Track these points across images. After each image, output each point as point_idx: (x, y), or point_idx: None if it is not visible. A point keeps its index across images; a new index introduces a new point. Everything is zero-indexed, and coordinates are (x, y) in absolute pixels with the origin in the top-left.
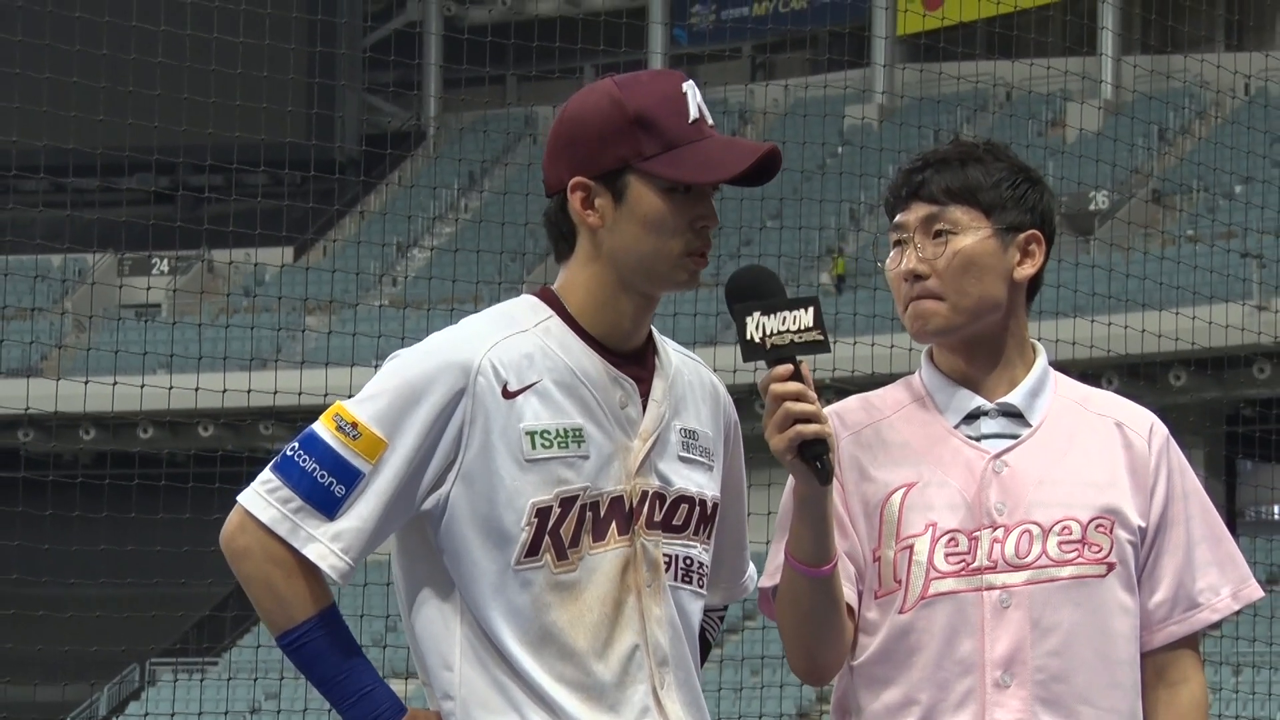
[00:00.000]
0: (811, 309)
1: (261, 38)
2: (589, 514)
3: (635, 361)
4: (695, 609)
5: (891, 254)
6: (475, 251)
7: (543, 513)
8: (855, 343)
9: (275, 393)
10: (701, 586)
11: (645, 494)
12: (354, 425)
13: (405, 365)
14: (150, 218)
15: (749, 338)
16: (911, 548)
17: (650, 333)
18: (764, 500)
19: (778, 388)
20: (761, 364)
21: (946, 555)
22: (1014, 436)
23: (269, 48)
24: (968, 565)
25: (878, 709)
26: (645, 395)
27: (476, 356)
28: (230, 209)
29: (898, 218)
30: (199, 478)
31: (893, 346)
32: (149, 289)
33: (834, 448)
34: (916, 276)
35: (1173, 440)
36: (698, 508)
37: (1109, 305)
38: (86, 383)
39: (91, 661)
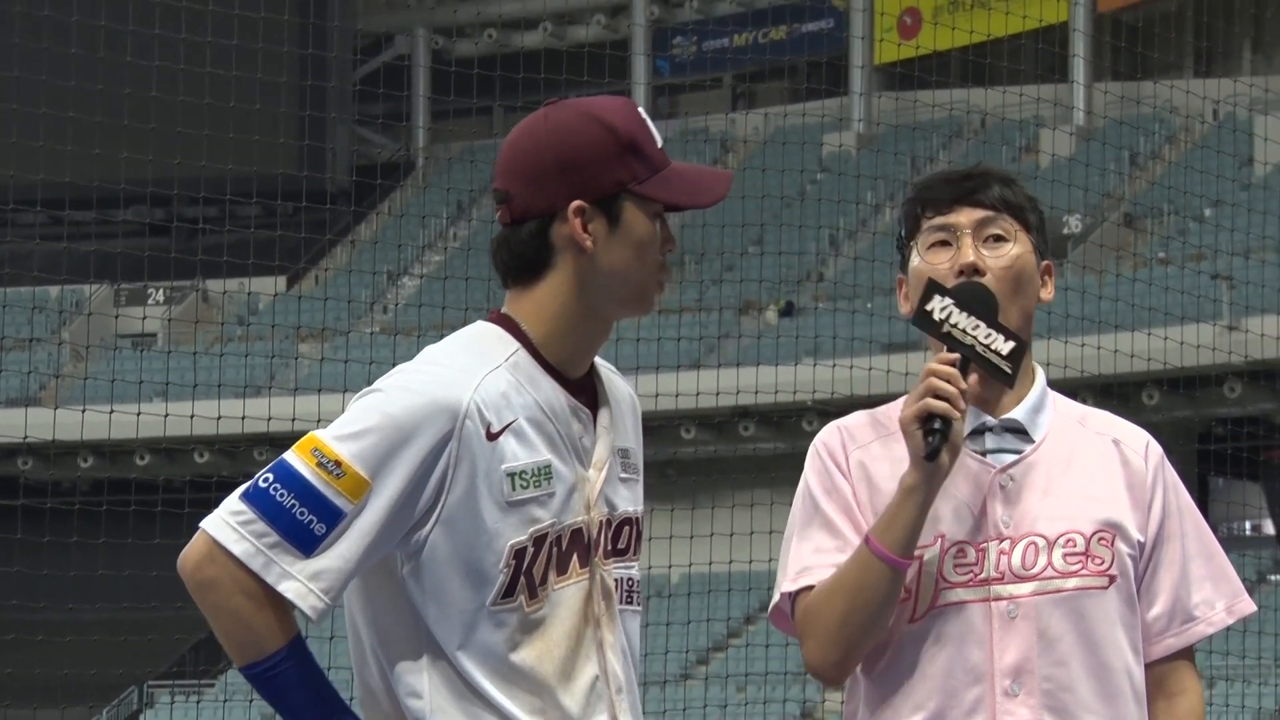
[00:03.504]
0: (1014, 343)
1: (254, 72)
2: (554, 549)
3: (584, 388)
4: (635, 628)
5: (930, 250)
6: (464, 279)
7: (519, 554)
8: (834, 365)
9: (269, 419)
10: (638, 604)
11: (601, 524)
12: (337, 463)
13: (389, 402)
14: (146, 249)
15: (928, 309)
16: (921, 558)
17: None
18: (747, 520)
19: (936, 365)
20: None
21: (955, 566)
22: (1017, 452)
23: (261, 82)
24: (976, 576)
25: (888, 716)
26: (594, 423)
27: (464, 398)
28: (224, 240)
29: (946, 219)
30: (194, 503)
31: (870, 369)
32: (145, 319)
33: (957, 437)
34: (976, 271)
35: (1167, 459)
36: (634, 526)
37: (1082, 326)
38: (84, 411)
39: (90, 684)
